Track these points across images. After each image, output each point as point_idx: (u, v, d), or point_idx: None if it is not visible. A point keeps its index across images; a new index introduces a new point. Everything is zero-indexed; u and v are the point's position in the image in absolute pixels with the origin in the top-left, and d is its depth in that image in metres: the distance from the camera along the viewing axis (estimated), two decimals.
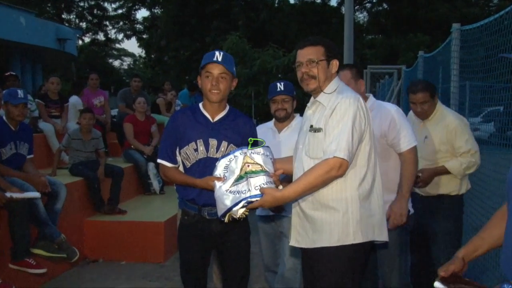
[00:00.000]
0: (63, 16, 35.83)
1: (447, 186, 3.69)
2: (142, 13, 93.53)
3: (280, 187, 2.54)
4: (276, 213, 3.61)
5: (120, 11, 36.49)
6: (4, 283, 4.02)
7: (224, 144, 2.88)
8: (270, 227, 3.82)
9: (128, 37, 37.57)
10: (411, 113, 3.89)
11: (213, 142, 2.87)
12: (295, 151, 2.74)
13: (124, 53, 46.54)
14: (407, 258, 3.59)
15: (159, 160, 2.97)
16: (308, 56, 2.59)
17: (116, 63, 46.73)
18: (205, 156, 2.86)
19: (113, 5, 36.55)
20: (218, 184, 2.53)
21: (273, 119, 3.81)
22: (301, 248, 2.66)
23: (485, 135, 4.61)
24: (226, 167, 2.55)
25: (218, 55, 2.81)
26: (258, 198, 2.41)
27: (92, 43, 38.80)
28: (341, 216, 2.48)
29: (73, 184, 5.47)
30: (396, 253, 3.33)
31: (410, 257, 3.94)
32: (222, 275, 3.22)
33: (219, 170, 2.58)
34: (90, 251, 5.65)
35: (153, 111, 8.81)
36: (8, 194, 4.01)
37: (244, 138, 2.90)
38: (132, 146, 7.22)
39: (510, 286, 1.69)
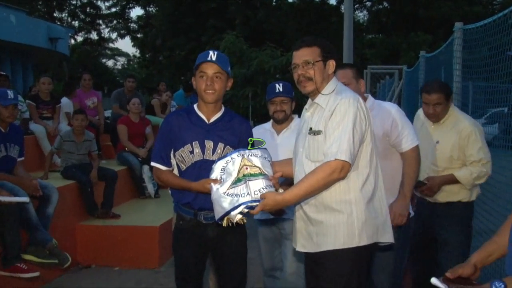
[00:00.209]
0: (55, 14, 35.82)
1: (458, 194, 3.60)
2: (136, 12, 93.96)
3: (280, 190, 2.55)
4: (277, 216, 3.61)
5: (113, 10, 36.58)
6: None
7: (221, 146, 2.88)
8: (270, 231, 3.81)
9: (122, 36, 37.59)
10: (419, 112, 3.84)
11: (209, 144, 2.87)
12: (295, 154, 2.74)
13: (118, 52, 46.60)
14: (403, 261, 3.57)
15: (152, 163, 2.96)
16: (303, 57, 2.59)
17: (110, 63, 46.83)
18: (201, 158, 2.86)
19: (107, 3, 36.67)
20: (215, 186, 2.53)
21: (271, 121, 3.81)
22: (305, 252, 2.66)
23: (489, 137, 4.61)
24: (223, 169, 2.55)
25: (212, 55, 2.82)
26: (258, 204, 2.41)
27: (85, 42, 38.79)
28: (346, 218, 2.48)
29: (65, 188, 5.45)
30: (391, 256, 3.32)
31: (413, 264, 3.93)
32: (219, 282, 3.21)
33: (216, 173, 2.58)
34: (82, 256, 5.62)
35: (148, 112, 8.80)
36: None
37: (240, 140, 2.91)
38: (126, 149, 7.20)
39: (501, 283, 1.70)
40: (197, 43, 26.44)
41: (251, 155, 2.56)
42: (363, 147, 2.52)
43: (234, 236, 2.98)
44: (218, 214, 2.50)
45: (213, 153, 2.86)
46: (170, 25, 28.50)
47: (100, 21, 37.96)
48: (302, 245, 2.65)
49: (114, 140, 7.81)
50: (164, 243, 5.54)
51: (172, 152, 2.92)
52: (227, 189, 2.48)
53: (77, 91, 8.04)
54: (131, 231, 5.69)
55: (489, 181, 4.06)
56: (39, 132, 6.79)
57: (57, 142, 6.04)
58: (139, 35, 35.99)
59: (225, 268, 3.03)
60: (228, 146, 2.88)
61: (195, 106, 3.00)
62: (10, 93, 4.54)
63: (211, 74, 2.82)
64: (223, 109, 3.00)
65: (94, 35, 38.95)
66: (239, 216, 2.46)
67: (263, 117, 14.72)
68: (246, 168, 2.50)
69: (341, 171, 2.39)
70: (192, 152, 2.86)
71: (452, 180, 3.54)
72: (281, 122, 3.71)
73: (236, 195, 2.45)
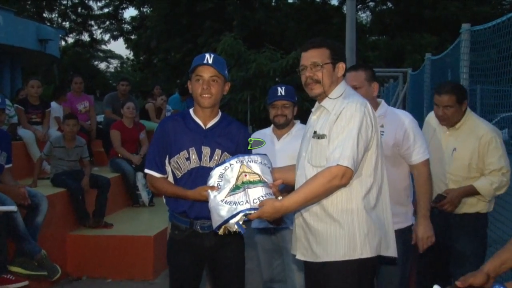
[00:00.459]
0: (44, 15, 35.81)
1: (476, 206, 3.54)
2: (130, 12, 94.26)
3: (280, 197, 2.54)
4: (276, 225, 3.60)
5: (106, 10, 36.55)
6: None
7: (218, 152, 2.88)
8: (269, 241, 3.80)
9: (115, 37, 37.57)
10: (429, 119, 3.80)
11: (206, 150, 2.87)
12: (298, 159, 2.74)
13: (111, 54, 46.60)
14: (406, 272, 3.56)
15: (146, 170, 2.96)
16: (312, 59, 2.59)
17: (102, 65, 46.82)
18: (198, 165, 2.86)
19: (99, 4, 36.64)
20: (212, 193, 2.53)
21: (272, 126, 3.81)
22: (305, 262, 2.65)
23: None
24: (221, 176, 2.55)
25: (209, 57, 2.83)
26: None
27: (76, 44, 38.80)
28: (347, 228, 2.47)
29: (55, 196, 5.44)
30: (398, 267, 3.31)
31: (419, 277, 3.91)
32: None
33: (213, 179, 2.58)
34: (73, 268, 5.60)
35: (142, 117, 8.80)
36: None
37: (238, 146, 2.91)
38: (119, 155, 7.20)
39: (502, 287, 1.69)
40: (193, 45, 26.45)
41: (250, 161, 2.56)
42: (367, 155, 2.51)
43: (232, 246, 2.98)
44: (215, 222, 2.49)
45: (210, 160, 2.86)
46: (165, 26, 28.53)
47: (92, 22, 37.97)
48: (302, 253, 2.64)
49: (107, 146, 7.81)
50: (159, 254, 5.52)
51: (167, 158, 2.92)
52: (225, 197, 2.48)
53: (67, 95, 8.05)
54: (124, 241, 5.67)
55: None
56: (28, 138, 6.78)
57: (47, 148, 6.03)
58: (132, 37, 35.99)
59: (222, 280, 3.02)
60: (225, 153, 2.88)
61: (191, 110, 3.00)
62: None
63: (207, 78, 2.83)
64: (220, 114, 3.01)
65: (85, 37, 39.00)
66: (236, 227, 2.45)
67: (262, 122, 14.72)
68: (245, 175, 2.50)
69: (343, 177, 2.38)
70: (188, 158, 2.86)
71: (472, 191, 3.47)
72: (282, 127, 3.71)
73: (235, 203, 2.44)
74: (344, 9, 23.53)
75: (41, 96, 7.36)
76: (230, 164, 2.55)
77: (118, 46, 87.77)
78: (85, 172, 6.05)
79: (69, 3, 36.76)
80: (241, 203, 2.43)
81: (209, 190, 2.54)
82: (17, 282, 4.23)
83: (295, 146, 2.85)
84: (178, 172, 2.90)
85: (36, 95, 7.15)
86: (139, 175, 7.00)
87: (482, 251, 3.62)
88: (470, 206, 3.54)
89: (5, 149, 4.65)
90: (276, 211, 2.42)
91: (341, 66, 2.63)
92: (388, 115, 3.28)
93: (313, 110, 2.73)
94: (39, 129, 7.07)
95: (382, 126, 3.13)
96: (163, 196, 3.05)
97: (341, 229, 2.48)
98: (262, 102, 14.74)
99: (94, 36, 39.08)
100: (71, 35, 37.96)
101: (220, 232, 2.50)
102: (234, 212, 2.42)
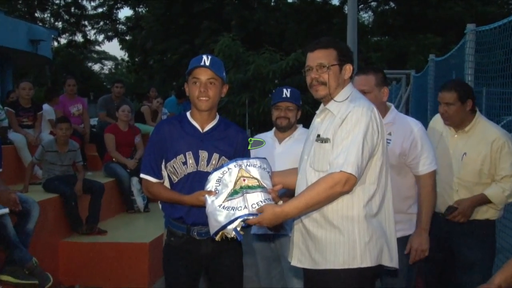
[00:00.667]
0: (36, 14, 35.89)
1: (486, 213, 3.52)
2: (124, 12, 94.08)
3: (280, 202, 2.54)
4: (275, 232, 3.60)
5: (100, 10, 36.60)
6: None
7: (216, 156, 2.88)
8: (268, 248, 3.80)
9: (109, 38, 37.62)
10: (435, 124, 3.78)
11: (203, 154, 2.87)
12: (299, 162, 2.74)
13: (105, 56, 46.71)
14: (412, 280, 3.56)
15: (142, 175, 2.96)
16: (318, 60, 2.59)
17: (96, 67, 46.90)
18: (195, 169, 2.86)
19: (93, 3, 36.89)
20: (209, 198, 2.53)
21: (273, 129, 3.82)
22: (303, 269, 2.65)
23: None
24: (219, 180, 2.55)
25: (206, 59, 2.83)
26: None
27: (69, 45, 38.85)
28: (347, 236, 2.47)
29: (47, 202, 5.43)
30: (404, 275, 3.31)
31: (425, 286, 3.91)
32: None
33: (211, 183, 2.58)
34: (65, 276, 5.59)
35: (137, 120, 8.81)
36: None
37: (236, 150, 2.91)
38: (113, 159, 7.19)
39: None
40: (190, 46, 26.50)
41: (249, 166, 2.56)
42: (372, 162, 2.50)
43: (230, 253, 2.98)
44: (213, 228, 2.49)
45: (207, 164, 2.86)
46: (161, 26, 28.59)
47: (86, 22, 38.03)
48: (299, 260, 2.64)
49: (101, 150, 7.80)
50: (154, 261, 5.51)
51: (163, 163, 2.92)
52: (223, 202, 2.48)
53: (60, 98, 8.04)
54: (119, 248, 5.66)
55: None
56: (19, 142, 6.78)
57: (39, 152, 6.02)
58: (127, 37, 36.06)
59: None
60: (223, 157, 2.88)
61: (188, 114, 3.00)
62: None
63: (204, 80, 2.83)
64: (217, 117, 3.01)
65: (79, 37, 39.06)
66: (234, 233, 2.45)
67: (261, 126, 14.73)
68: (244, 180, 2.50)
69: (345, 184, 2.38)
70: (185, 163, 2.86)
71: (483, 200, 3.45)
72: (284, 130, 3.72)
73: (233, 208, 2.44)
74: (345, 9, 23.61)
75: (32, 99, 7.36)
76: (228, 169, 2.56)
77: (113, 47, 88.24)
78: (78, 177, 6.05)
79: (62, 2, 36.85)
80: (239, 209, 2.43)
81: (207, 195, 2.54)
82: None
83: (297, 150, 2.86)
84: (174, 177, 2.90)
85: (27, 98, 7.15)
86: (134, 180, 7.00)
87: (490, 259, 3.60)
88: (480, 213, 3.52)
89: None
90: (276, 217, 2.41)
91: (348, 68, 2.62)
92: (396, 122, 3.27)
93: (317, 112, 2.73)
94: (31, 132, 7.07)
95: (389, 134, 3.12)
96: (159, 202, 3.05)
97: (341, 236, 2.47)
98: (261, 105, 14.76)
99: (88, 37, 39.20)
100: (64, 35, 38.08)
101: (218, 238, 2.51)
102: (232, 218, 2.42)
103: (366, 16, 32.48)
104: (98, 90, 33.91)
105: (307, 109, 11.46)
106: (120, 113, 7.36)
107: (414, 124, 3.30)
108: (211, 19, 26.46)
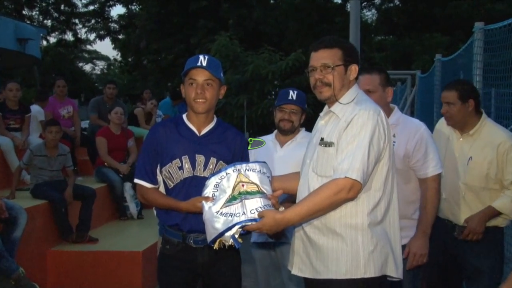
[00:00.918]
0: (24, 12, 35.90)
1: (495, 220, 3.50)
2: (117, 10, 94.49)
3: (281, 208, 2.53)
4: (276, 239, 3.59)
5: (91, 8, 36.65)
6: None
7: (213, 160, 2.88)
8: (268, 256, 3.80)
9: (101, 37, 37.65)
10: (440, 126, 3.78)
11: (200, 158, 2.87)
12: (302, 166, 2.73)
13: (97, 56, 46.74)
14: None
15: (136, 180, 2.95)
16: (322, 60, 2.58)
17: (87, 67, 46.94)
18: (191, 174, 2.86)
19: (83, 1, 36.88)
20: (207, 205, 2.52)
21: (275, 131, 3.82)
22: (304, 278, 2.64)
23: None
24: (217, 186, 2.55)
25: (203, 60, 2.83)
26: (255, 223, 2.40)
27: (59, 44, 38.88)
28: (350, 244, 2.46)
29: (35, 208, 5.43)
30: (409, 282, 3.31)
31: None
32: None
33: (208, 189, 2.57)
34: (54, 287, 5.58)
35: (130, 123, 8.80)
36: None
37: (234, 154, 2.92)
38: (105, 164, 7.19)
39: None
40: (185, 45, 26.55)
41: (248, 170, 2.55)
42: (378, 167, 2.49)
43: (227, 262, 2.97)
44: (210, 235, 2.49)
45: (204, 169, 2.86)
46: (155, 25, 28.61)
47: (76, 20, 38.04)
48: (300, 268, 2.63)
49: (92, 154, 7.80)
50: (148, 271, 5.51)
51: (158, 167, 2.92)
52: (221, 208, 2.47)
53: (49, 99, 8.04)
54: (111, 257, 5.65)
55: None
56: (6, 145, 6.76)
57: (27, 156, 6.01)
58: (120, 36, 36.10)
59: None
60: (221, 161, 2.88)
61: (184, 116, 3.00)
62: None
63: (201, 82, 2.83)
64: (215, 119, 3.01)
65: (69, 36, 39.08)
66: (231, 240, 2.45)
67: (259, 128, 14.75)
68: (242, 185, 2.50)
69: (350, 191, 2.37)
70: (181, 167, 2.86)
71: (492, 213, 3.42)
72: (286, 133, 3.72)
73: (231, 214, 2.44)
74: (348, 7, 23.63)
75: (20, 100, 7.34)
76: (227, 173, 2.55)
77: (105, 47, 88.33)
78: (69, 182, 6.04)
79: None
80: (237, 215, 2.43)
81: (204, 201, 2.54)
82: None
83: (299, 154, 2.85)
84: (170, 182, 2.90)
85: (14, 99, 7.13)
86: (127, 185, 6.99)
87: (499, 267, 3.60)
88: (491, 220, 3.49)
89: None
90: (277, 224, 2.40)
91: (353, 69, 2.61)
92: (400, 123, 3.28)
93: (321, 114, 2.72)
94: (18, 135, 7.05)
95: (393, 135, 3.13)
96: (154, 208, 3.04)
97: (344, 245, 2.47)
98: (259, 107, 14.77)
99: (79, 36, 39.22)
100: (53, 34, 38.05)
101: (215, 246, 2.50)
102: (230, 225, 2.42)
103: (370, 14, 32.57)
104: (90, 91, 33.99)
105: (307, 111, 11.47)
106: (112, 115, 7.35)
107: (418, 125, 3.32)
108: (207, 18, 26.49)
